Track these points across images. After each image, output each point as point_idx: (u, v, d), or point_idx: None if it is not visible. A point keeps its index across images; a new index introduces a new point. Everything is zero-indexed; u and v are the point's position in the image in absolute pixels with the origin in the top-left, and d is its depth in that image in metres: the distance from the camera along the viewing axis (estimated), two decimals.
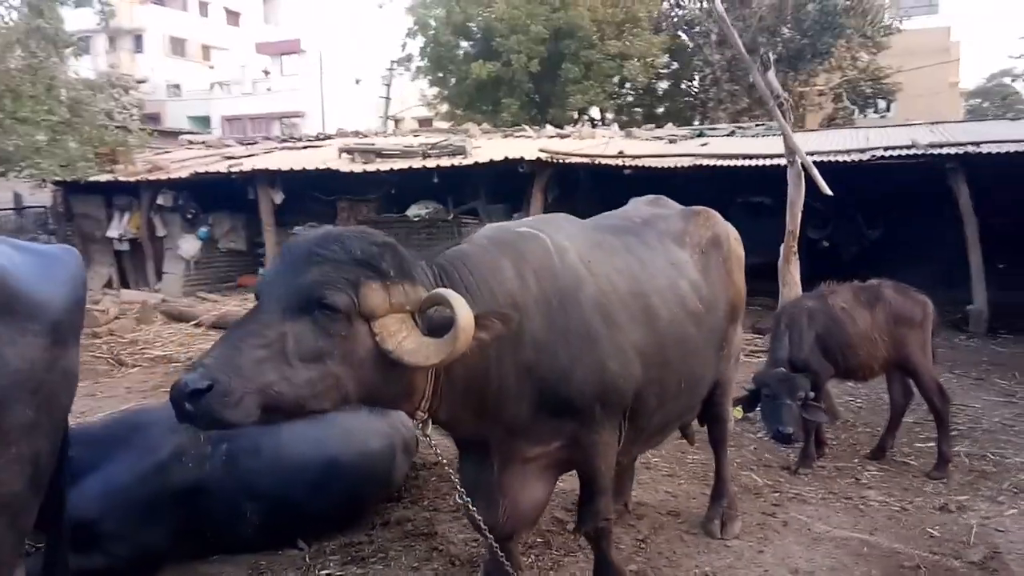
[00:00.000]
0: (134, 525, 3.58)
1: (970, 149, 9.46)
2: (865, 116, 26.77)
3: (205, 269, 14.64)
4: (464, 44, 25.02)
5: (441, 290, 2.43)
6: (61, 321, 2.48)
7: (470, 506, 2.80)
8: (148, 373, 8.03)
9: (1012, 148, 9.33)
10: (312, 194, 13.75)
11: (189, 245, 14.09)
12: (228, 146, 16.67)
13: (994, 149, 9.44)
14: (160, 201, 13.99)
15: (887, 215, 12.39)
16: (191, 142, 18.11)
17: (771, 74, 6.07)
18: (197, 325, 10.31)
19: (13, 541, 2.46)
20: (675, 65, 26.64)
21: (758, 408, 4.90)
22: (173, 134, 20.94)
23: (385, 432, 4.47)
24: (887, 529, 4.32)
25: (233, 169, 13.25)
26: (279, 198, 13.46)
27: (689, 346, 3.43)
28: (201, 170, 13.45)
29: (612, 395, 2.97)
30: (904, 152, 9.92)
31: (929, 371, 5.31)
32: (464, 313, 2.31)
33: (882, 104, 28.57)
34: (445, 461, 2.72)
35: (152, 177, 13.50)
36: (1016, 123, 12.92)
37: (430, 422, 2.62)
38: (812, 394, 4.93)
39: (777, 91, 6.04)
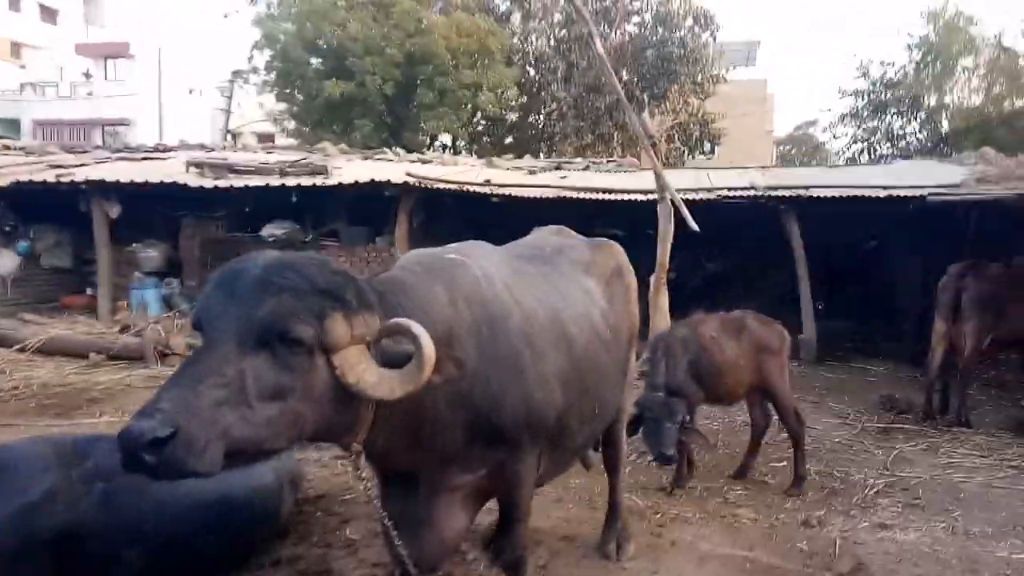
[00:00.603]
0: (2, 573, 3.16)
1: (801, 192, 10.47)
2: (693, 157, 28.80)
3: (23, 287, 13.16)
4: (315, 61, 24.42)
5: (402, 320, 2.36)
6: None
7: (396, 540, 2.70)
8: None
9: (837, 193, 10.43)
10: (154, 209, 12.81)
11: (6, 260, 12.64)
12: (52, 153, 15.15)
13: (820, 193, 10.50)
14: None
15: (724, 250, 13.38)
16: (7, 147, 16.30)
17: (645, 115, 6.43)
18: (21, 350, 9.26)
19: None
20: (524, 99, 27.48)
21: (638, 432, 5.10)
22: None
23: (273, 465, 4.23)
24: (763, 545, 4.63)
25: (62, 179, 12.05)
26: (115, 212, 12.38)
27: (601, 372, 3.54)
28: (24, 179, 12.11)
29: (537, 423, 3.00)
30: (745, 193, 10.79)
31: (787, 395, 5.79)
32: (429, 346, 2.27)
33: (707, 147, 30.84)
34: (374, 493, 2.61)
35: None
36: (833, 170, 14.46)
37: (363, 454, 2.52)
38: (688, 417, 5.22)
39: (650, 131, 6.42)
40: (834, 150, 31.82)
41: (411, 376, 2.28)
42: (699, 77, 26.39)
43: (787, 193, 10.62)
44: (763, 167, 14.52)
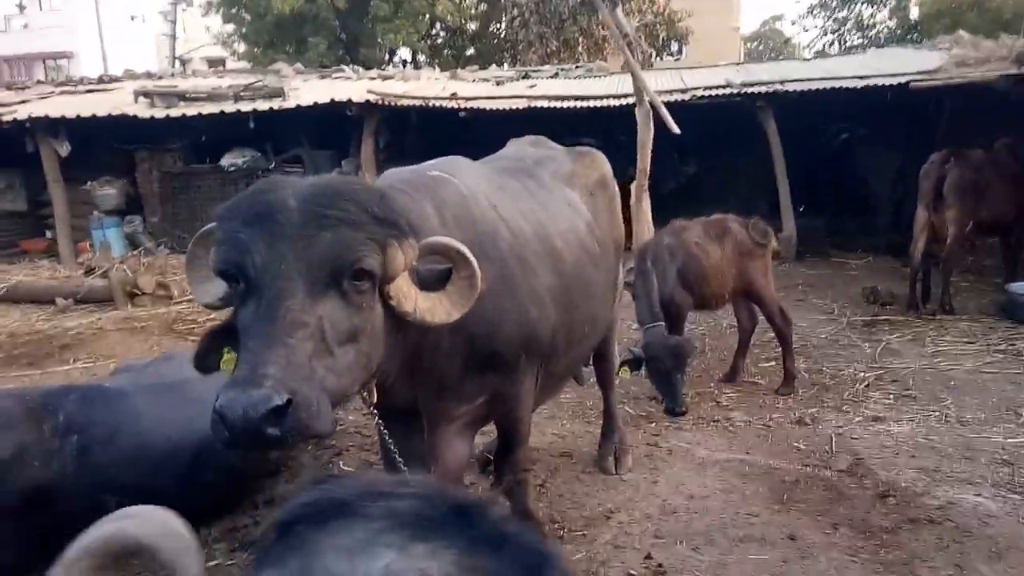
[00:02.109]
0: None
1: (778, 88, 10.18)
2: (661, 59, 28.09)
3: None
4: None
5: (441, 239, 2.25)
6: None
7: (405, 474, 2.57)
8: None
9: (812, 86, 10.16)
10: (106, 144, 12.18)
11: None
12: None
13: (797, 88, 10.22)
14: None
15: (700, 151, 13.12)
16: None
17: (619, 12, 6.08)
18: None
19: None
20: (484, 6, 26.42)
21: (639, 370, 4.91)
22: None
23: None
24: (759, 447, 4.61)
25: (5, 118, 11.38)
26: (65, 150, 11.77)
27: (591, 288, 3.41)
28: None
29: (533, 343, 2.88)
30: (721, 92, 10.48)
31: (772, 296, 5.71)
32: (474, 262, 2.20)
33: (675, 47, 30.08)
34: (383, 427, 2.46)
35: None
36: (806, 64, 14.10)
37: (374, 390, 2.35)
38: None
39: (625, 29, 6.09)
40: (803, 44, 31.28)
41: (464, 296, 2.21)
42: None
43: (764, 89, 10.33)
44: (736, 63, 14.09)
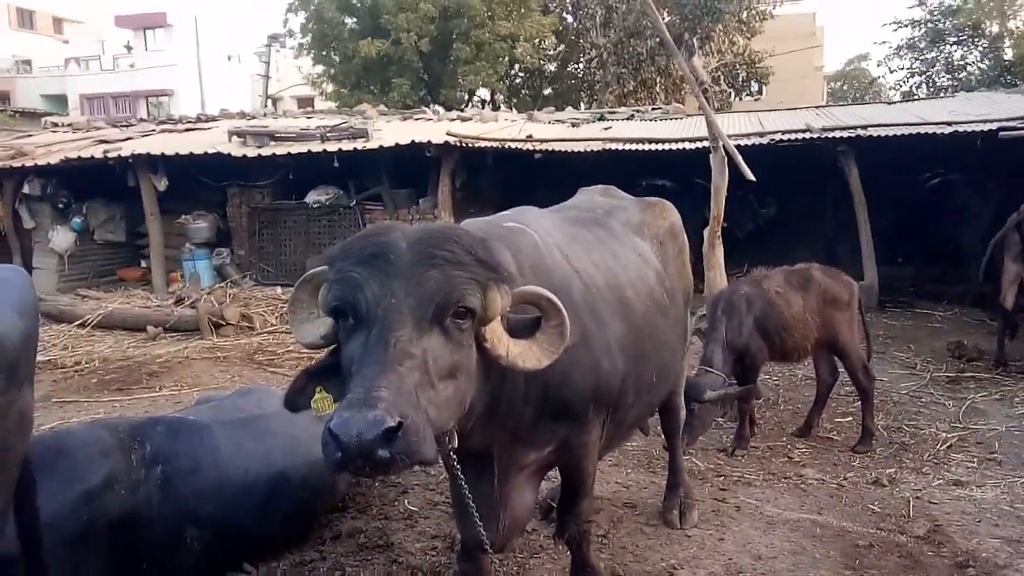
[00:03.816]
0: (65, 560, 3.18)
1: (860, 132, 9.97)
2: (740, 99, 27.87)
3: (80, 263, 13.42)
4: (349, 21, 24.19)
5: (534, 288, 2.33)
6: (17, 359, 2.11)
7: (477, 519, 2.61)
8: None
9: (896, 132, 9.92)
10: (199, 180, 12.86)
11: (62, 237, 12.88)
12: (99, 128, 15.32)
13: (881, 132, 9.99)
14: (26, 190, 12.67)
15: (778, 193, 12.91)
16: (56, 124, 16.57)
17: (696, 60, 6.11)
18: (81, 326, 9.46)
19: None
20: (562, 48, 26.85)
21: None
22: (32, 115, 19.11)
23: None
24: (832, 508, 4.46)
25: (110, 154, 12.17)
26: (163, 185, 12.50)
27: (660, 338, 3.42)
28: (73, 155, 12.27)
29: (602, 393, 2.92)
30: (800, 136, 10.34)
31: (856, 350, 5.55)
32: (564, 313, 2.29)
33: (755, 87, 29.82)
34: (460, 474, 2.51)
35: (17, 164, 12.20)
36: (892, 107, 13.78)
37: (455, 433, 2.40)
38: (732, 381, 5.04)
39: (702, 77, 6.11)
40: (889, 84, 30.51)
41: (552, 344, 2.29)
42: (744, 14, 25.34)
43: (845, 134, 10.12)
44: (816, 106, 13.89)
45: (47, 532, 3.14)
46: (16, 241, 13.09)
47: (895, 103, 15.73)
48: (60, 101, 33.62)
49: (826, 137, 10.13)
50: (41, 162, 12.17)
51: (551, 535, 3.66)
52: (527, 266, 2.63)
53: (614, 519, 4.32)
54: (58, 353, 8.49)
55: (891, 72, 28.58)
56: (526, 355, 2.27)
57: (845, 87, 42.62)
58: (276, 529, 3.79)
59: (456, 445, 2.38)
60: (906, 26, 25.76)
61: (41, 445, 3.44)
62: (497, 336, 2.22)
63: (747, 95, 29.19)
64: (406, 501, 4.54)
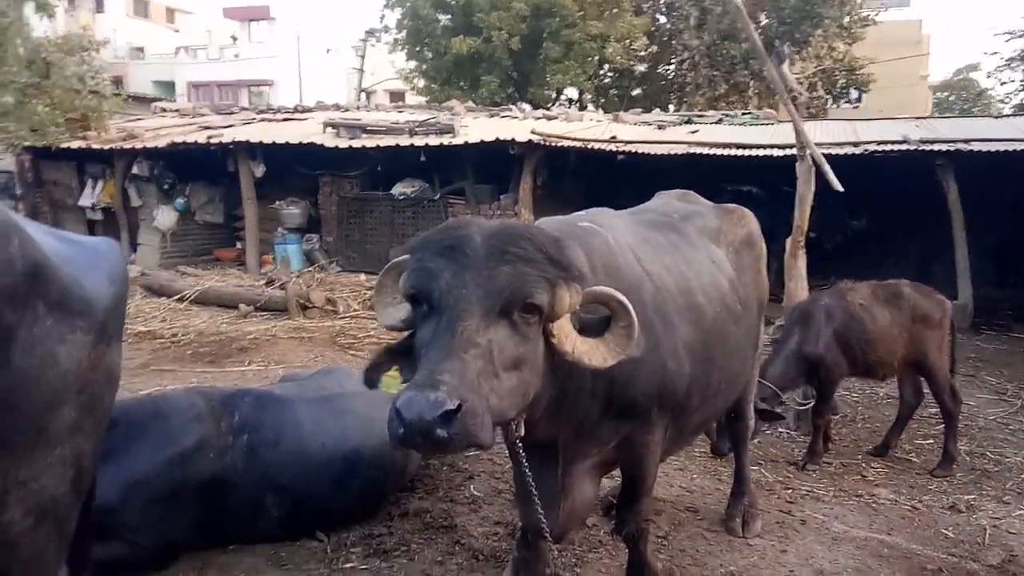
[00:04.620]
0: (156, 515, 3.45)
1: (961, 147, 9.57)
2: (838, 106, 26.94)
3: (181, 241, 14.25)
4: (443, 18, 24.59)
5: (604, 288, 2.41)
6: (107, 318, 2.34)
7: (539, 508, 2.71)
8: (133, 350, 7.76)
9: (1000, 147, 9.47)
10: (294, 168, 13.42)
11: (166, 216, 13.67)
12: (204, 115, 16.16)
13: (983, 147, 9.55)
14: (135, 170, 13.52)
15: (870, 206, 12.50)
16: (164, 109, 17.55)
17: (785, 67, 6.02)
18: (180, 300, 10.03)
19: (57, 544, 2.34)
20: (653, 48, 26.55)
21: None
22: (143, 100, 20.26)
23: None
24: (902, 529, 4.36)
25: (213, 140, 12.85)
26: (260, 171, 13.13)
27: (730, 344, 3.43)
28: (179, 140, 13.02)
29: (668, 395, 2.97)
30: (897, 148, 9.99)
31: (944, 371, 5.36)
32: (633, 314, 2.34)
33: (854, 94, 28.77)
34: (525, 463, 2.61)
35: (127, 145, 13.03)
36: (999, 121, 13.12)
37: (522, 423, 2.51)
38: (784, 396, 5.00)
39: (791, 84, 6.00)
40: (999, 96, 28.96)
41: (620, 344, 2.35)
42: (846, 19, 24.45)
43: (944, 147, 9.72)
44: (917, 117, 13.36)
45: (142, 488, 3.44)
46: (124, 218, 13.96)
47: (1003, 116, 14.93)
48: (169, 87, 35.39)
49: (924, 150, 9.75)
50: (150, 145, 12.96)
51: (610, 531, 3.72)
52: (599, 265, 2.70)
53: (675, 522, 4.35)
54: (157, 325, 9.03)
55: (1001, 84, 27.01)
56: (593, 353, 2.33)
57: (952, 98, 40.65)
58: (348, 502, 3.99)
59: (522, 434, 2.48)
60: (1019, 37, 24.35)
61: (140, 408, 3.76)
62: (565, 333, 2.30)
63: (845, 102, 28.20)
64: (472, 487, 4.68)
